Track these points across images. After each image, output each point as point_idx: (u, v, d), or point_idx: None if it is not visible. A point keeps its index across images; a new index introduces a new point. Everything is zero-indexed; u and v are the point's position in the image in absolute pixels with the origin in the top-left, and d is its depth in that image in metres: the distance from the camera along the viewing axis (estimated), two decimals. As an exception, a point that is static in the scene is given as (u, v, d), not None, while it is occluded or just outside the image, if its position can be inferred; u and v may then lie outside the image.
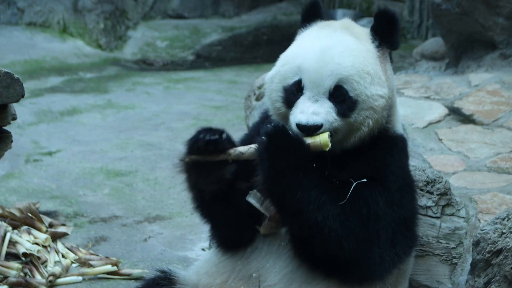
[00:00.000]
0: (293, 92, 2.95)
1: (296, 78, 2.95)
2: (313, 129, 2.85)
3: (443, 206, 3.64)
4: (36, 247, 4.37)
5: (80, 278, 4.28)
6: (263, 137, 2.82)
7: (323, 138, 2.85)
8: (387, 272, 3.01)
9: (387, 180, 2.97)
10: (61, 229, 4.79)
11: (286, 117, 2.98)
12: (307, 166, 2.84)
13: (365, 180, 2.90)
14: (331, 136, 2.88)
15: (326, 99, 2.90)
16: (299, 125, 2.86)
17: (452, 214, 3.67)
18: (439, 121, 4.85)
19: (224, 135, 2.90)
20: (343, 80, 2.90)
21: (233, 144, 2.95)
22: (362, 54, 2.95)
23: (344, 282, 2.97)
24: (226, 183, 2.98)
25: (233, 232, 3.11)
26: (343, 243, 2.84)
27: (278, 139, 2.82)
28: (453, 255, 3.65)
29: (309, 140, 2.87)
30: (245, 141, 3.17)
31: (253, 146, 2.91)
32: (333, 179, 2.94)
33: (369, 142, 2.99)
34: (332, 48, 2.93)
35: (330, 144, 2.85)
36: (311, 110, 2.87)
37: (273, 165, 2.81)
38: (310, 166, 2.85)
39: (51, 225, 4.82)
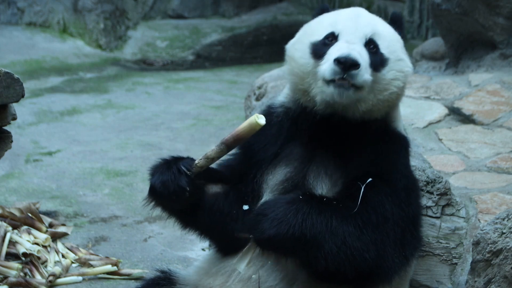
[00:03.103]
0: (324, 43, 2.94)
1: (328, 31, 2.96)
2: (351, 65, 2.80)
3: (443, 206, 3.64)
4: (36, 247, 4.37)
5: (80, 278, 4.28)
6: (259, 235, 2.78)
7: (255, 117, 2.88)
8: (396, 274, 2.98)
9: (393, 178, 2.96)
10: (61, 229, 4.79)
11: (311, 75, 2.93)
12: (297, 205, 2.79)
13: (371, 179, 2.87)
14: (358, 89, 2.85)
15: (363, 45, 2.91)
16: (339, 59, 2.79)
17: (452, 214, 3.67)
18: (439, 121, 4.85)
19: (183, 169, 2.92)
20: (378, 34, 2.96)
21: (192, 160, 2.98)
22: (389, 27, 3.06)
23: (353, 286, 2.94)
24: (198, 191, 3.00)
25: (229, 239, 3.08)
26: (365, 256, 2.81)
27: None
28: (453, 255, 3.65)
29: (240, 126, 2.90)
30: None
31: (215, 147, 2.93)
32: (338, 181, 2.94)
33: (373, 137, 2.99)
34: (363, 12, 3.03)
35: (263, 122, 2.86)
36: (351, 47, 2.85)
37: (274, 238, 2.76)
38: (300, 200, 2.81)
39: (51, 225, 4.82)
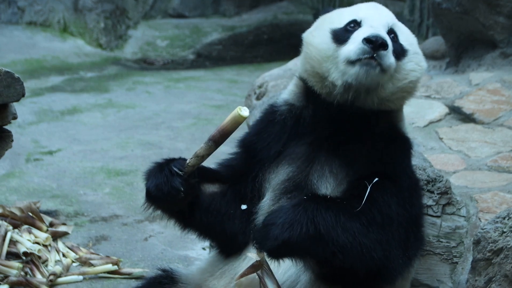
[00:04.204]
0: (346, 30, 2.95)
1: (351, 18, 2.98)
2: (381, 44, 2.80)
3: (444, 205, 3.64)
4: (37, 246, 4.37)
5: (81, 277, 4.28)
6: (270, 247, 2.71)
7: (237, 110, 2.86)
8: (400, 275, 2.96)
9: (399, 177, 2.95)
10: (62, 228, 4.80)
11: (331, 59, 2.93)
12: (305, 204, 2.75)
13: (377, 179, 2.85)
14: (383, 71, 2.84)
15: (385, 33, 2.93)
16: (369, 38, 2.79)
17: (453, 213, 3.67)
18: (439, 120, 4.85)
19: (176, 170, 2.91)
20: (397, 26, 3.01)
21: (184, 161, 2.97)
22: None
23: (357, 286, 2.93)
24: (193, 191, 2.99)
25: (228, 238, 3.09)
26: (373, 255, 2.77)
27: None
28: (454, 254, 3.65)
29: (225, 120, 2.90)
30: (246, 139, 3.18)
31: (203, 144, 2.92)
32: (344, 180, 2.94)
33: (380, 136, 2.99)
34: (381, 5, 3.06)
35: (247, 114, 2.85)
36: (378, 29, 2.87)
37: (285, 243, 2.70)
38: (306, 201, 2.77)
39: (51, 224, 4.82)
